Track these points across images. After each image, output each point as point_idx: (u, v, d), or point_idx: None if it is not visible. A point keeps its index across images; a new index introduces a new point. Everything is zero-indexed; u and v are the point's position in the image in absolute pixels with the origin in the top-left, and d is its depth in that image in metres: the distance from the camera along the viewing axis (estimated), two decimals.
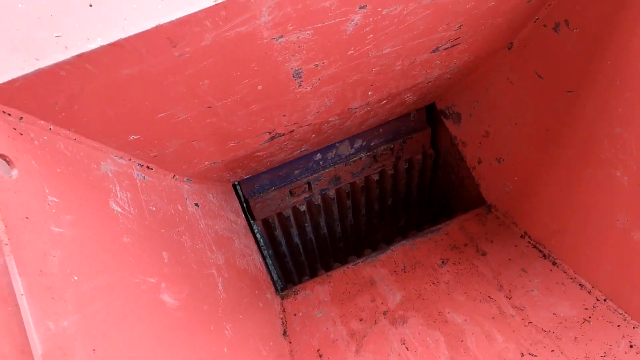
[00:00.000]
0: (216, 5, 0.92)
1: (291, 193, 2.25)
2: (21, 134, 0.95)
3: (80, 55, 0.90)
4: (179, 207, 1.46)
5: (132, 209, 1.20)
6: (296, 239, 2.57)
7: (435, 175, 2.59)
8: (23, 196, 0.88)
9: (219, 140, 1.42)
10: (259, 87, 1.24)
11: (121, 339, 0.95)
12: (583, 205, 1.60)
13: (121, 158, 1.25)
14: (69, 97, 0.98)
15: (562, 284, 1.68)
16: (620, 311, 1.55)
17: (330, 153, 2.21)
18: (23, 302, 0.78)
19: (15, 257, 0.80)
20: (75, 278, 0.91)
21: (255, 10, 0.97)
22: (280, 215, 2.32)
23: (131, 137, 1.20)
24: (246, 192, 2.12)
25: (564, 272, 1.71)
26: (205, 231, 1.55)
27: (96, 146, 1.16)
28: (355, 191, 2.49)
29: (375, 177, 2.42)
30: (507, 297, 1.69)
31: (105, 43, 0.91)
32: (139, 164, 1.32)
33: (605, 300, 1.59)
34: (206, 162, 1.53)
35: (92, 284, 0.94)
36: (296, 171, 2.19)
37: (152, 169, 1.38)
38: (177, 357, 1.10)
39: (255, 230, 2.29)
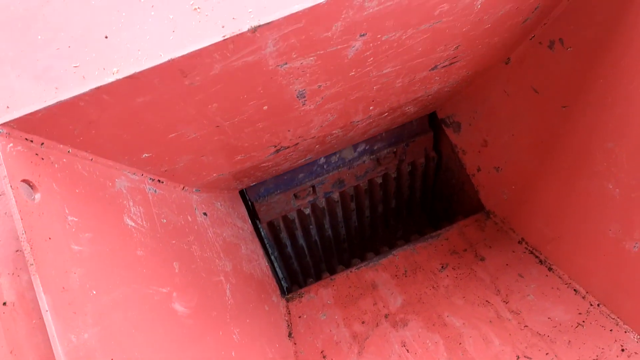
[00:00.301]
0: (224, 40, 0.99)
1: (296, 196, 2.32)
2: (42, 159, 1.02)
3: (98, 88, 0.97)
4: (189, 217, 1.53)
5: (144, 222, 1.28)
6: (301, 241, 2.64)
7: (438, 178, 2.65)
8: (45, 218, 0.95)
9: (227, 154, 1.49)
10: (265, 107, 1.30)
11: (136, 347, 1.02)
12: (577, 214, 1.66)
13: (134, 174, 1.32)
14: (87, 123, 1.05)
15: (558, 289, 1.74)
16: (613, 316, 1.61)
17: (334, 157, 2.27)
18: (48, 318, 0.86)
19: (40, 276, 0.88)
20: (94, 292, 0.98)
21: (261, 42, 1.03)
22: (285, 218, 2.39)
23: (144, 155, 1.27)
24: (252, 196, 2.19)
25: (559, 277, 1.77)
26: (213, 239, 1.63)
27: (111, 165, 1.23)
28: (359, 194, 2.55)
29: (379, 180, 2.48)
30: (504, 301, 1.76)
31: (121, 76, 0.98)
32: (150, 179, 1.40)
33: (598, 305, 1.65)
34: (214, 174, 1.60)
35: (110, 297, 1.01)
36: (300, 175, 2.25)
37: (162, 182, 1.45)
38: None
39: (262, 234, 2.36)
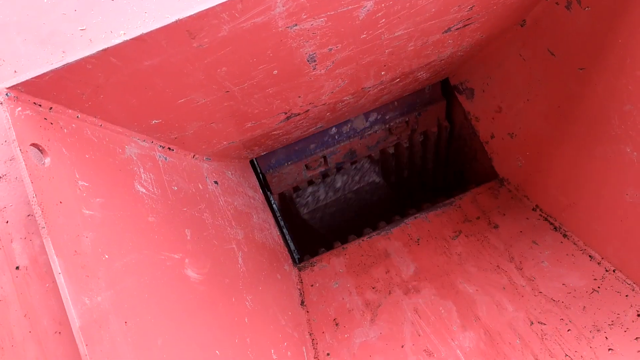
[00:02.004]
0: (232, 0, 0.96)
1: (307, 167, 2.31)
2: (51, 123, 1.01)
3: (105, 50, 0.95)
4: (200, 185, 1.53)
5: (155, 189, 1.27)
6: None
7: (450, 147, 2.62)
8: (56, 182, 0.95)
9: (237, 121, 1.47)
10: (275, 72, 1.28)
11: (149, 311, 1.02)
12: (593, 180, 1.63)
13: (144, 141, 1.31)
14: (95, 87, 1.04)
15: (572, 255, 1.72)
16: (629, 281, 1.59)
17: (345, 127, 2.25)
18: (61, 280, 0.86)
19: (52, 239, 0.88)
20: (107, 257, 0.98)
21: (270, 2, 1.01)
22: (296, 189, 2.38)
23: (153, 122, 1.26)
24: (263, 167, 2.18)
25: (574, 244, 1.75)
26: (224, 208, 1.62)
27: (120, 131, 1.22)
28: (371, 164, 2.54)
29: (391, 150, 2.46)
30: (517, 268, 1.74)
31: (128, 38, 0.96)
32: (160, 146, 1.39)
33: (614, 271, 1.63)
34: (224, 142, 1.59)
35: (122, 262, 1.01)
36: (312, 145, 2.24)
37: (173, 150, 1.45)
38: (202, 327, 1.18)
39: (274, 205, 2.36)
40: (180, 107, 1.25)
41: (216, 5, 0.97)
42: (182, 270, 1.21)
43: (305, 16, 1.10)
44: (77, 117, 1.09)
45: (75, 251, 0.91)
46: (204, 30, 1.01)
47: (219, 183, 1.68)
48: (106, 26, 1.02)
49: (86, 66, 0.97)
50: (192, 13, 0.96)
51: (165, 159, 1.40)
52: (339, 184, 2.36)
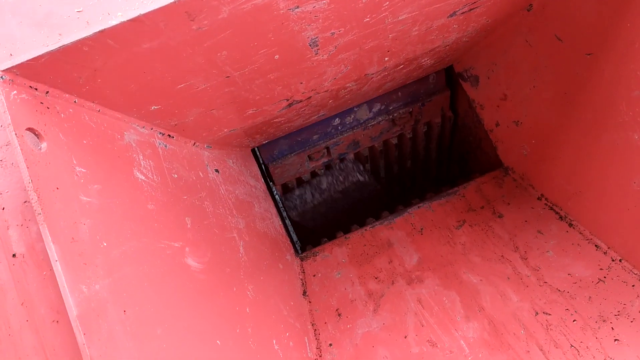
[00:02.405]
0: None
1: (310, 158, 2.29)
2: (48, 108, 0.99)
3: (102, 32, 0.93)
4: (200, 173, 1.50)
5: (155, 177, 1.25)
6: None
7: (454, 137, 2.60)
8: (53, 168, 0.93)
9: (238, 108, 1.45)
10: (276, 57, 1.25)
11: (149, 301, 1.00)
12: (600, 168, 1.60)
13: (143, 127, 1.29)
14: (93, 71, 1.01)
15: (578, 245, 1.70)
16: (636, 271, 1.57)
17: (348, 118, 2.23)
18: (57, 268, 0.84)
19: (49, 226, 0.85)
20: (105, 244, 0.96)
21: None
22: (299, 180, 2.36)
23: (152, 108, 1.24)
24: (265, 158, 2.16)
25: (580, 233, 1.72)
26: (225, 196, 1.60)
27: (119, 117, 1.19)
28: (374, 155, 2.51)
29: (394, 141, 2.43)
30: (522, 258, 1.72)
31: (125, 19, 0.93)
32: (160, 133, 1.36)
33: (620, 260, 1.61)
34: (225, 130, 1.57)
35: (121, 249, 0.99)
36: (315, 136, 2.21)
37: (173, 137, 1.42)
38: (202, 317, 1.16)
39: (276, 196, 2.33)
40: (180, 93, 1.23)
41: None
42: (182, 259, 1.19)
43: None
44: (75, 101, 1.06)
45: (73, 238, 0.89)
46: (203, 12, 0.99)
47: (220, 171, 1.66)
48: (103, 8, 0.99)
49: (83, 48, 0.95)
50: None
51: (165, 146, 1.37)
52: (324, 185, 2.38)
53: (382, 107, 2.27)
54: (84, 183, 0.98)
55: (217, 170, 1.63)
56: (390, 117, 2.30)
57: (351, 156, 2.40)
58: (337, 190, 2.31)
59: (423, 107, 2.34)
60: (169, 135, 1.41)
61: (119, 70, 1.04)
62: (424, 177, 2.88)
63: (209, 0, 0.96)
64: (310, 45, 1.27)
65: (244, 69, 1.25)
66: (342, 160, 2.39)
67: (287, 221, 2.57)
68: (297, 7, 1.09)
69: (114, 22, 0.93)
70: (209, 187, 1.52)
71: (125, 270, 0.97)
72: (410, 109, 2.33)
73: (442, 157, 2.79)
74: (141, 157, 1.22)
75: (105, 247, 0.95)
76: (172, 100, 1.25)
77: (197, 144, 1.57)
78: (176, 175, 1.35)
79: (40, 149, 0.92)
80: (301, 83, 1.46)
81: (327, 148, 2.29)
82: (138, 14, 0.93)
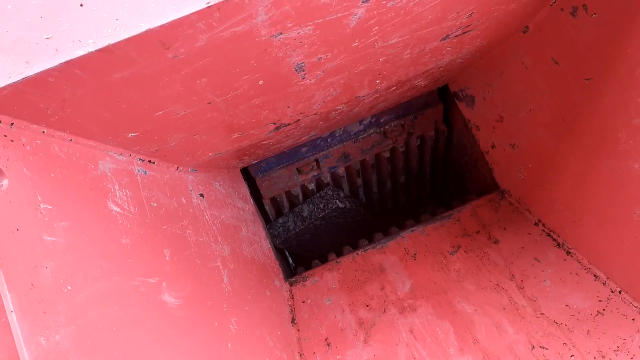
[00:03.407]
0: (209, 7, 0.88)
1: (299, 171, 2.23)
2: (12, 141, 0.93)
3: (68, 62, 0.87)
4: (183, 200, 1.44)
5: (132, 207, 1.19)
6: None
7: (449, 154, 2.54)
8: (13, 207, 0.87)
9: (222, 132, 1.39)
10: (260, 82, 1.20)
11: (117, 347, 0.94)
12: (599, 196, 1.55)
13: (120, 155, 1.23)
14: (61, 101, 0.96)
15: (576, 274, 1.64)
16: (636, 304, 1.51)
17: (338, 130, 2.17)
18: (13, 319, 0.78)
19: (5, 273, 0.79)
20: (69, 288, 0.90)
21: (251, 10, 0.92)
22: (288, 193, 2.30)
23: (130, 135, 1.18)
24: (252, 171, 2.10)
25: (578, 262, 1.67)
26: (210, 222, 1.54)
27: (93, 145, 1.14)
28: (365, 169, 2.45)
29: (386, 155, 2.37)
30: (518, 287, 1.66)
31: (94, 49, 0.87)
32: (140, 159, 1.30)
33: (620, 292, 1.55)
34: (210, 153, 1.51)
35: (87, 292, 0.93)
36: (304, 149, 2.15)
37: (154, 162, 1.36)
38: (179, 358, 1.10)
39: (266, 210, 2.27)
40: (159, 120, 1.17)
41: (191, 14, 0.88)
42: (158, 296, 1.13)
43: (290, 24, 1.02)
44: (43, 132, 1.01)
45: (32, 284, 0.83)
46: (178, 41, 0.93)
47: (205, 196, 1.60)
48: (74, 35, 0.93)
49: (48, 79, 0.89)
50: (164, 22, 0.88)
51: (145, 172, 1.31)
52: (305, 213, 2.34)
53: (373, 120, 2.21)
54: (49, 221, 0.92)
55: (201, 195, 1.57)
56: (382, 129, 2.24)
57: (342, 169, 2.34)
58: (319, 218, 2.26)
59: (416, 120, 2.28)
60: (150, 161, 1.35)
61: (89, 99, 0.98)
62: (419, 193, 2.82)
63: (184, 28, 0.90)
64: (296, 70, 1.21)
65: (227, 95, 1.20)
66: (321, 186, 2.37)
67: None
68: (280, 33, 1.03)
69: (81, 53, 0.87)
70: (192, 214, 1.46)
71: (91, 314, 0.91)
72: (403, 122, 2.27)
73: (437, 172, 2.73)
74: (117, 187, 1.16)
75: (70, 291, 0.89)
76: (151, 127, 1.19)
77: (181, 168, 1.51)
78: (156, 204, 1.29)
79: (0, 186, 0.86)
80: (288, 107, 1.40)
81: (317, 161, 2.23)
82: (107, 43, 0.88)
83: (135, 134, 1.19)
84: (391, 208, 2.84)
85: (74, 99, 0.96)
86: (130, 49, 0.90)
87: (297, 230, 2.26)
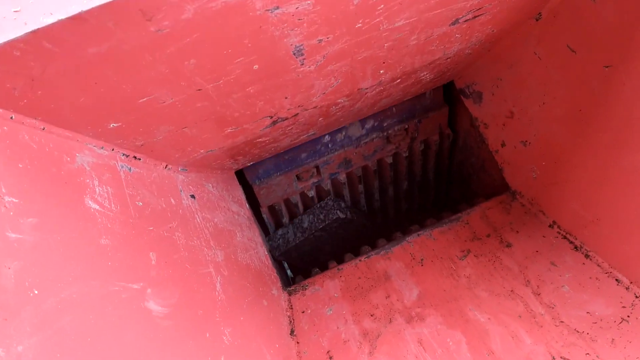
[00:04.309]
0: None
1: (298, 178, 2.11)
2: None
3: (35, 32, 0.76)
4: (172, 200, 1.33)
5: (113, 205, 1.07)
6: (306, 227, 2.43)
7: (454, 157, 2.43)
8: None
9: (214, 126, 1.28)
10: (255, 67, 1.09)
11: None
12: (621, 194, 1.43)
13: (102, 148, 1.12)
14: (30, 81, 0.84)
15: (597, 279, 1.52)
16: None
17: (339, 135, 2.05)
18: None
19: None
20: (36, 292, 0.78)
21: None
22: (287, 201, 2.18)
23: (111, 125, 1.06)
24: (250, 177, 1.98)
25: (598, 265, 1.55)
26: (202, 225, 1.42)
27: (70, 136, 1.02)
28: (367, 175, 2.33)
29: (389, 160, 2.26)
30: (535, 293, 1.54)
31: (64, 17, 0.76)
32: (124, 154, 1.19)
33: None
34: (202, 150, 1.40)
35: (58, 297, 0.81)
36: (303, 154, 2.04)
37: (139, 159, 1.25)
38: None
39: (264, 219, 2.16)
40: (143, 108, 1.06)
41: None
42: (142, 303, 1.00)
43: None
44: (12, 117, 0.89)
45: None
46: (162, 11, 0.82)
47: (197, 197, 1.48)
48: (45, 7, 0.82)
49: (13, 52, 0.78)
50: None
51: (130, 169, 1.20)
52: (305, 224, 2.24)
53: (376, 124, 2.10)
54: (14, 216, 0.80)
55: (192, 196, 1.46)
56: (385, 134, 2.13)
57: (343, 176, 2.23)
58: (319, 229, 2.15)
59: (420, 124, 2.17)
60: (135, 157, 1.23)
61: (62, 79, 0.87)
62: (422, 200, 2.70)
63: None
64: (294, 54, 1.10)
65: (218, 81, 1.09)
66: (321, 197, 2.26)
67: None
68: (277, 7, 0.93)
69: (49, 21, 0.76)
70: (181, 216, 1.34)
71: (61, 322, 0.79)
72: (406, 126, 2.16)
73: (441, 178, 2.61)
74: (96, 183, 1.04)
75: (37, 296, 0.77)
76: (134, 117, 1.08)
77: (170, 166, 1.39)
78: (141, 203, 1.17)
79: None
80: (286, 98, 1.29)
81: (317, 167, 2.11)
82: (80, 10, 0.77)
83: (117, 125, 1.07)
84: (393, 216, 2.72)
85: (45, 79, 0.85)
86: (106, 17, 0.79)
87: (297, 241, 2.15)
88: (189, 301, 1.17)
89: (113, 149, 1.15)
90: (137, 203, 1.16)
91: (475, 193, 2.32)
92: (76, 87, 0.91)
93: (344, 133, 2.04)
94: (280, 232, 2.20)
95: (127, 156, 1.20)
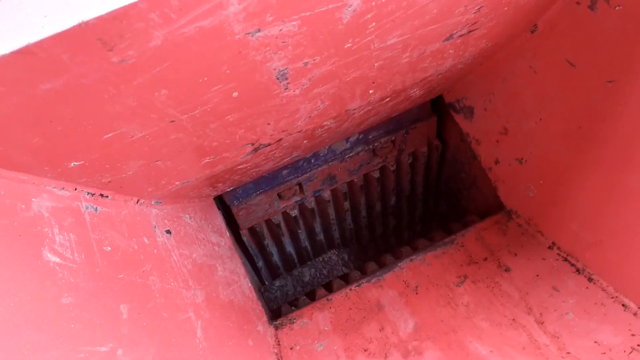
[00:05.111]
0: None
1: (280, 196, 1.99)
2: None
3: None
4: (145, 239, 1.20)
5: (77, 255, 0.94)
6: (289, 248, 2.31)
7: (442, 171, 2.33)
8: None
9: (190, 157, 1.16)
10: (235, 94, 0.97)
11: None
12: (626, 214, 1.35)
13: (63, 189, 0.99)
14: None
15: (602, 304, 1.44)
16: None
17: (322, 149, 1.94)
18: None
19: None
20: None
21: None
22: (269, 222, 2.06)
23: (72, 164, 0.94)
24: (227, 199, 1.85)
25: (603, 290, 1.46)
26: (179, 264, 1.30)
27: (25, 179, 0.90)
28: (353, 191, 2.22)
29: (376, 174, 2.16)
30: (538, 322, 1.45)
31: (7, 52, 0.64)
32: (88, 193, 1.06)
33: None
34: (177, 182, 1.27)
35: None
36: (284, 172, 1.92)
37: (107, 196, 1.12)
38: None
39: (245, 242, 2.03)
40: (109, 144, 0.94)
41: (140, 1, 0.66)
42: None
43: (271, 18, 0.80)
44: None
45: None
46: (125, 39, 0.70)
47: (173, 232, 1.36)
48: None
49: None
50: (102, 13, 0.65)
51: (96, 209, 1.07)
52: (307, 278, 2.13)
53: (361, 137, 1.99)
54: None
55: (168, 232, 1.33)
56: (371, 147, 2.02)
57: (327, 193, 2.11)
58: (321, 284, 2.03)
59: (407, 136, 2.06)
60: (102, 195, 1.11)
61: (12, 120, 0.75)
62: (410, 215, 2.60)
63: (131, 22, 0.68)
64: (277, 78, 0.99)
65: (194, 111, 0.97)
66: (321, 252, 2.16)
67: (261, 270, 2.27)
68: (259, 30, 0.81)
69: None
70: (156, 256, 1.21)
71: None
72: (393, 138, 2.05)
73: (430, 192, 2.52)
74: (56, 231, 0.92)
75: None
76: (99, 154, 0.96)
77: (142, 201, 1.27)
78: (109, 248, 1.05)
79: None
80: (269, 124, 1.18)
81: (300, 185, 2.00)
82: (26, 43, 0.65)
83: (79, 163, 0.95)
84: (381, 233, 2.61)
85: None
86: (59, 50, 0.67)
87: (297, 295, 2.03)
88: (166, 355, 1.05)
89: (76, 189, 1.03)
90: (104, 248, 1.03)
91: (465, 209, 2.23)
92: (28, 128, 0.79)
93: (327, 148, 1.93)
94: (277, 283, 2.08)
95: (93, 195, 1.08)
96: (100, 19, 0.66)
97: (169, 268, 1.24)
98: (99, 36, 0.68)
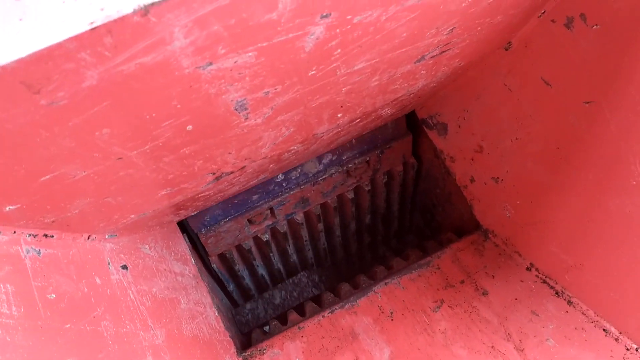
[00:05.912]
0: (93, 30, 0.57)
1: (250, 222, 1.90)
2: None
3: None
4: (97, 279, 1.11)
5: (14, 309, 0.85)
6: (261, 271, 2.22)
7: (417, 186, 2.27)
8: None
9: (145, 191, 1.07)
10: (189, 127, 0.89)
11: None
12: (607, 238, 1.31)
13: None
14: None
15: (583, 329, 1.39)
16: None
17: (294, 172, 1.86)
18: None
19: None
20: None
21: (162, 32, 0.63)
22: (239, 247, 1.97)
23: (7, 209, 0.85)
24: (195, 226, 1.75)
25: (583, 313, 1.42)
26: (137, 302, 1.21)
27: None
28: (327, 212, 2.15)
29: (350, 195, 2.08)
30: (517, 349, 1.40)
31: None
32: (30, 235, 0.97)
33: (637, 349, 1.31)
34: (132, 216, 1.18)
35: None
36: (254, 196, 1.83)
37: (52, 236, 1.03)
38: None
39: (214, 268, 1.94)
40: (48, 186, 0.85)
41: (66, 41, 0.57)
42: None
43: (223, 51, 0.72)
44: None
45: None
46: (53, 81, 0.62)
47: (130, 267, 1.27)
48: None
49: None
50: (22, 56, 0.57)
51: (39, 252, 0.98)
52: (277, 301, 2.06)
53: (334, 158, 1.91)
54: None
55: (124, 267, 1.24)
56: (344, 168, 1.95)
57: (300, 216, 2.03)
58: (292, 307, 1.95)
59: (382, 155, 1.99)
60: (46, 235, 1.01)
61: None
62: (386, 231, 2.53)
63: (57, 63, 0.59)
64: (236, 109, 0.91)
65: (144, 147, 0.89)
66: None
67: (233, 293, 2.18)
68: (210, 63, 0.73)
69: None
70: (110, 297, 1.12)
71: None
72: (367, 158, 1.97)
73: (405, 208, 2.45)
74: None
75: None
76: (37, 196, 0.86)
77: (94, 236, 1.17)
78: (54, 295, 0.96)
79: None
80: (230, 153, 1.10)
81: (271, 209, 1.91)
82: None
83: (15, 207, 0.86)
84: (356, 249, 2.54)
85: None
86: None
87: (269, 318, 1.96)
88: None
89: (15, 232, 0.94)
90: (48, 296, 0.94)
91: (440, 224, 2.17)
92: None
93: (299, 170, 1.85)
94: (248, 306, 2.02)
95: (35, 236, 0.98)
96: (20, 62, 0.57)
97: (124, 309, 1.14)
98: (22, 80, 0.59)
